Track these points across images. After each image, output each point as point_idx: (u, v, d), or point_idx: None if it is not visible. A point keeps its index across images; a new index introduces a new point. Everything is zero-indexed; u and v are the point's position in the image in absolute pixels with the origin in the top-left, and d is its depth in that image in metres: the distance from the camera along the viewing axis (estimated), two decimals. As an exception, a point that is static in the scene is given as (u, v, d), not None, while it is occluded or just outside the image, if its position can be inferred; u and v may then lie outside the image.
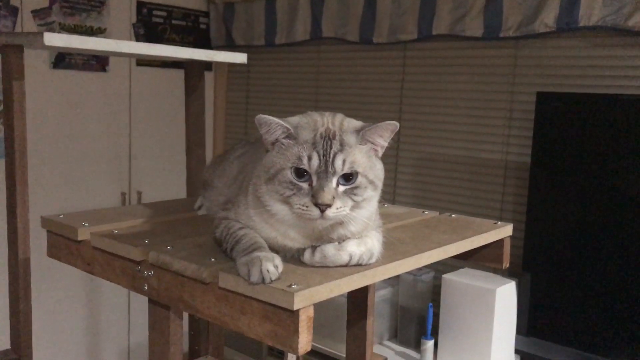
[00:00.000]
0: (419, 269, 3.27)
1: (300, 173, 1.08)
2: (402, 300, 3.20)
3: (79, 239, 1.31)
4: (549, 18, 2.90)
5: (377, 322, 3.15)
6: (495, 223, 1.59)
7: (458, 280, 2.86)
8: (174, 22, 4.08)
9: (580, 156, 2.72)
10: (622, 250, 2.58)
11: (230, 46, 4.23)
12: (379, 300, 3.14)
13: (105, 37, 3.74)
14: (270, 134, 1.13)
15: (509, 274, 3.01)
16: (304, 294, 0.97)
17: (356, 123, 1.18)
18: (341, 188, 1.09)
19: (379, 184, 1.16)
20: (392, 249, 1.25)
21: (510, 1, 3.03)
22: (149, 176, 4.03)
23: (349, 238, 1.15)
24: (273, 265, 1.03)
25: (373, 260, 1.17)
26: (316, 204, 1.06)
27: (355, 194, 1.10)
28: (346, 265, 1.13)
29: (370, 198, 1.14)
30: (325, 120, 1.15)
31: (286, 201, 1.10)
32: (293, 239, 1.16)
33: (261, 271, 1.01)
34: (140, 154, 4.00)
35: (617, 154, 2.60)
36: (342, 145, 1.10)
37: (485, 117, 3.24)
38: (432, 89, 3.43)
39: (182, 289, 1.13)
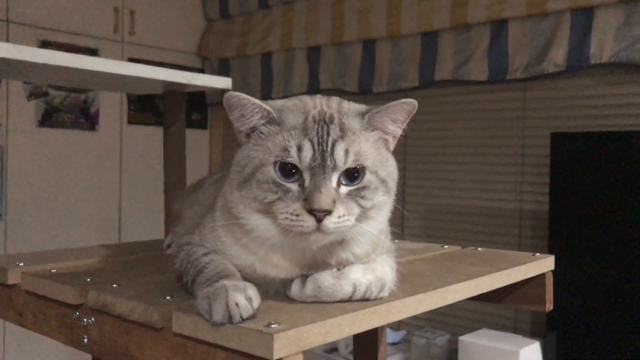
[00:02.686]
0: (433, 332, 2.98)
1: (287, 170, 0.81)
2: (415, 367, 2.90)
3: (9, 282, 1.03)
4: (558, 57, 2.75)
5: (387, 393, 2.84)
6: (534, 255, 1.30)
7: (476, 342, 2.57)
8: (167, 79, 3.95)
9: (602, 199, 2.49)
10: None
11: (226, 103, 4.11)
12: (388, 367, 2.84)
13: (94, 95, 3.61)
14: (244, 120, 0.85)
15: (532, 333, 2.72)
16: (288, 336, 0.69)
17: (359, 105, 0.91)
18: (344, 189, 0.81)
19: (393, 185, 0.88)
20: (409, 282, 0.96)
21: (516, 42, 2.89)
22: (139, 237, 3.79)
23: (352, 263, 0.87)
24: (245, 298, 0.74)
25: (385, 293, 0.87)
26: (311, 211, 0.78)
27: (362, 197, 0.82)
28: (349, 300, 0.84)
29: (382, 205, 0.86)
30: (319, 102, 0.88)
31: (268, 210, 0.81)
32: (277, 267, 0.87)
33: (227, 305, 0.73)
34: (131, 214, 3.78)
35: (644, 195, 2.38)
36: (342, 131, 0.83)
37: (495, 164, 3.03)
38: (437, 137, 3.25)
39: (128, 338, 0.85)
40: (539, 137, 2.85)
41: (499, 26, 2.94)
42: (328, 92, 3.62)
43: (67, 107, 3.50)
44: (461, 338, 2.63)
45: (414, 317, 3.18)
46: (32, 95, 3.36)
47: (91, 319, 0.90)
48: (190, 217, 1.11)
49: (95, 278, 0.98)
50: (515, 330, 2.89)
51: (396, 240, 1.49)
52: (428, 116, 3.28)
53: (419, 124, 3.30)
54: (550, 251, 2.58)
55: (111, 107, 3.70)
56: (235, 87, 4.01)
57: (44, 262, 1.11)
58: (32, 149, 3.37)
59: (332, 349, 2.95)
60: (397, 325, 3.28)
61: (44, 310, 0.99)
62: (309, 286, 0.84)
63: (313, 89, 3.66)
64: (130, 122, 3.78)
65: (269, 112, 0.84)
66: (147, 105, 3.83)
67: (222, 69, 4.13)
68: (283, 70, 3.83)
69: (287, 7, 3.79)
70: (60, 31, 3.44)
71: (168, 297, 0.86)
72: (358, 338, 1.45)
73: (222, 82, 1.73)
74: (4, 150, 3.26)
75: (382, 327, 1.44)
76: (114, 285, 0.92)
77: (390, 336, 3.05)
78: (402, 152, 3.32)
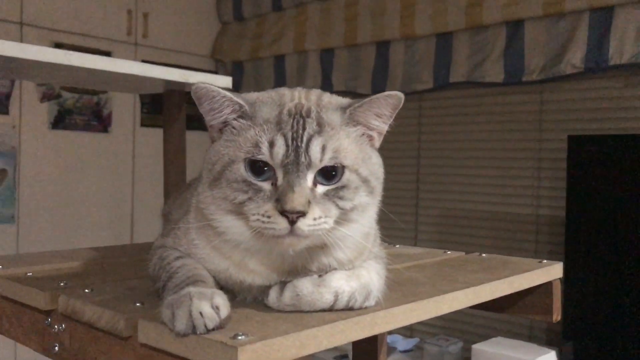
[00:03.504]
0: (446, 339, 2.91)
1: (258, 168, 0.75)
2: (427, 376, 2.83)
3: (-17, 286, 0.98)
4: (575, 58, 2.67)
5: (398, 402, 2.77)
6: (540, 262, 1.22)
7: (490, 350, 2.50)
8: (180, 82, 3.94)
9: (621, 204, 2.40)
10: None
11: (240, 106, 4.10)
12: (399, 375, 2.77)
13: (107, 97, 3.61)
14: (215, 114, 0.79)
15: (548, 342, 2.64)
16: (254, 349, 0.63)
17: (341, 99, 0.84)
18: (320, 188, 0.75)
19: (377, 185, 0.81)
20: (400, 291, 0.89)
21: (532, 43, 2.82)
22: (152, 239, 3.78)
23: (335, 269, 0.80)
24: (211, 306, 0.68)
25: (371, 302, 0.80)
26: (283, 212, 0.72)
27: (341, 198, 0.76)
28: (330, 309, 0.77)
29: (365, 206, 0.79)
30: (297, 95, 0.82)
31: (239, 211, 0.75)
32: (253, 272, 0.81)
33: (191, 314, 0.67)
34: (143, 216, 3.77)
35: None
36: (320, 125, 0.77)
37: (511, 168, 2.96)
38: (452, 139, 3.18)
39: (96, 347, 0.80)
40: (556, 140, 2.77)
41: (515, 27, 2.88)
42: (341, 94, 3.58)
43: (80, 109, 3.50)
44: (474, 346, 2.55)
45: (427, 324, 3.12)
46: (45, 97, 3.37)
47: (62, 326, 0.85)
48: (177, 218, 1.04)
49: (69, 282, 0.93)
50: (530, 338, 2.81)
51: (397, 245, 1.44)
52: (442, 119, 3.22)
53: (433, 126, 3.25)
54: (567, 257, 2.50)
55: (124, 109, 3.69)
56: (248, 90, 3.99)
57: (22, 265, 1.06)
58: (44, 151, 3.38)
59: (342, 355, 2.90)
60: (409, 333, 3.21)
61: (18, 315, 0.94)
62: (287, 294, 0.77)
63: (326, 91, 3.62)
64: (143, 124, 3.77)
65: (240, 106, 0.79)
66: (160, 108, 3.82)
67: (235, 72, 4.11)
68: (296, 73, 3.80)
69: (300, 10, 3.76)
70: (73, 33, 3.45)
71: (138, 304, 0.80)
72: (357, 346, 1.40)
73: (222, 81, 1.69)
74: (16, 152, 3.27)
75: (382, 336, 1.38)
76: (86, 290, 0.87)
77: (402, 343, 2.99)
78: (416, 155, 3.26)
